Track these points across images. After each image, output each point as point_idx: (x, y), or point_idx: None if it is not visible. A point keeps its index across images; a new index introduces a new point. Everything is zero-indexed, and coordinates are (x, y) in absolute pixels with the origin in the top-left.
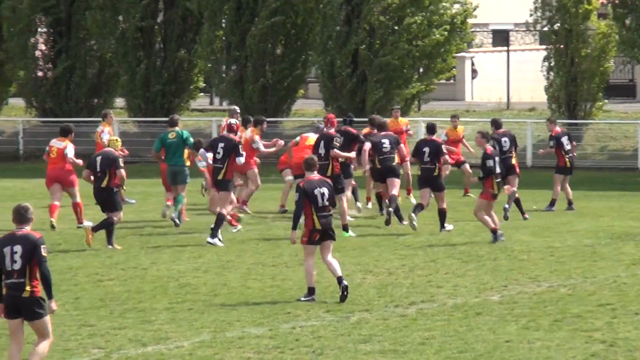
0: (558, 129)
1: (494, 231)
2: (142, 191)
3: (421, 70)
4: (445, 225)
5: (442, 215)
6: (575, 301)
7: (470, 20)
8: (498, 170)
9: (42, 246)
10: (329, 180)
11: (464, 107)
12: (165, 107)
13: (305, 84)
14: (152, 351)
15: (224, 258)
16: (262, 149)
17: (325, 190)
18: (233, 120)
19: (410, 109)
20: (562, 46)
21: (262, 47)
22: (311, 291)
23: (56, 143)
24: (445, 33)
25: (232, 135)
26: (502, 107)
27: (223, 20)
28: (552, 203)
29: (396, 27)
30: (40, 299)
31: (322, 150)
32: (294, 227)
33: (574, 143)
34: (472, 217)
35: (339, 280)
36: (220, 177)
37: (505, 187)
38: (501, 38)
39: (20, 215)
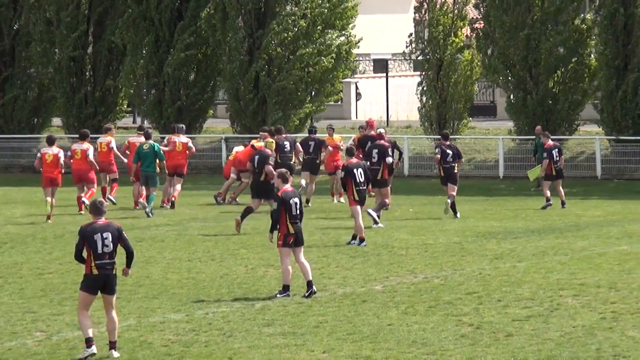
0: (550, 142)
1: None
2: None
3: (313, 93)
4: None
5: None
6: (447, 290)
7: (354, 51)
8: (358, 179)
9: (123, 232)
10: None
11: (350, 125)
12: (95, 126)
13: (214, 105)
14: None
15: (147, 254)
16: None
17: (297, 201)
18: (382, 130)
19: (304, 126)
20: (433, 73)
21: (177, 74)
22: (286, 288)
23: (79, 146)
24: (332, 61)
25: (384, 142)
26: (382, 124)
27: (144, 52)
28: (547, 200)
29: (291, 57)
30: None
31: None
32: (272, 230)
33: (562, 156)
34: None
35: (309, 284)
36: (379, 177)
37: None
38: (381, 66)
39: (97, 209)
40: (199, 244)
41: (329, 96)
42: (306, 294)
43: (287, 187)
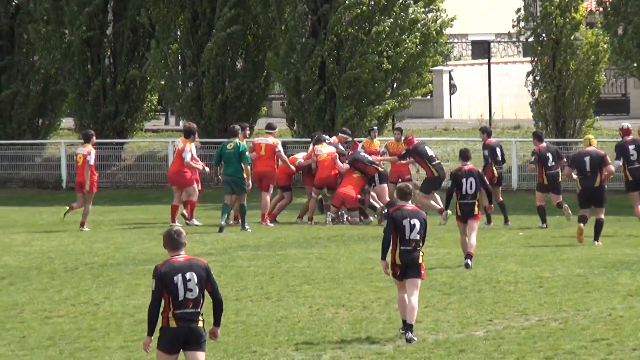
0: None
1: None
2: (93, 220)
3: (395, 85)
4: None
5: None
6: (568, 336)
7: (447, 31)
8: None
9: (211, 272)
10: (422, 213)
11: (443, 125)
12: (117, 129)
13: (268, 100)
14: None
15: None
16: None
17: (416, 222)
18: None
19: (384, 128)
20: (548, 59)
21: (220, 61)
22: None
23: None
24: (417, 41)
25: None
26: (484, 124)
27: (178, 32)
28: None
29: (365, 38)
30: (204, 329)
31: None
32: (383, 257)
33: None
34: (455, 244)
35: (406, 326)
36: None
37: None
38: (481, 50)
39: (173, 240)
40: (249, 278)
41: (415, 89)
42: (404, 334)
43: (405, 204)
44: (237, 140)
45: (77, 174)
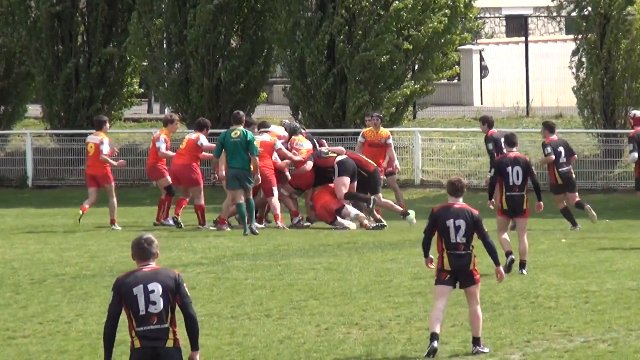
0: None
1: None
2: (64, 223)
3: (416, 67)
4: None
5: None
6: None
7: (477, 4)
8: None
9: (183, 284)
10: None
11: (472, 114)
12: (92, 117)
13: (268, 85)
14: None
15: None
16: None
17: (461, 224)
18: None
19: (403, 117)
20: (595, 37)
21: (210, 39)
22: (433, 337)
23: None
24: (445, 19)
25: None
26: (521, 113)
27: (162, 5)
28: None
29: (382, 13)
30: (180, 350)
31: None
32: (426, 255)
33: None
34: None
35: (475, 341)
36: None
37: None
38: (517, 26)
39: (143, 250)
40: (247, 292)
41: (439, 71)
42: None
43: (455, 201)
44: (241, 127)
45: (89, 166)
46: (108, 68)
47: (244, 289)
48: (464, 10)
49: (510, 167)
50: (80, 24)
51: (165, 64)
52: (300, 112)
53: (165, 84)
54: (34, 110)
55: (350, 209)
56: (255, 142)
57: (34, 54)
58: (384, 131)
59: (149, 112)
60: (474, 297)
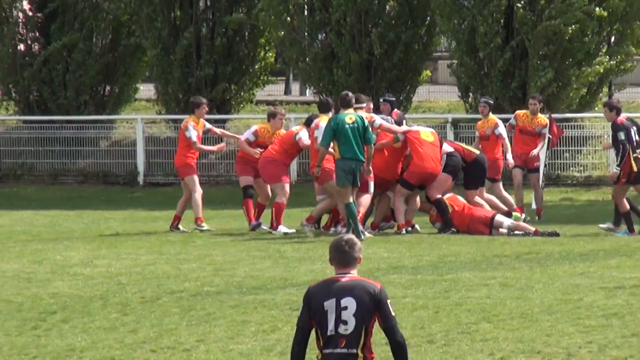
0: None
1: None
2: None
3: (612, 39)
4: None
5: None
6: None
7: None
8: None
9: (387, 301)
10: None
11: None
12: (217, 100)
13: (432, 61)
14: None
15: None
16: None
17: None
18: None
19: (597, 100)
20: None
21: (361, 4)
22: None
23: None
24: None
25: None
26: None
27: None
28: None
29: None
30: None
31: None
32: None
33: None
34: None
35: None
36: None
37: None
38: None
39: (343, 254)
40: (405, 313)
41: None
42: None
43: None
44: (354, 112)
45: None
46: (236, 40)
47: (401, 309)
48: None
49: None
50: None
51: (306, 34)
52: (470, 94)
53: (307, 59)
54: (146, 91)
55: (503, 218)
56: (370, 130)
57: (145, 22)
58: (542, 118)
59: (286, 94)
60: None
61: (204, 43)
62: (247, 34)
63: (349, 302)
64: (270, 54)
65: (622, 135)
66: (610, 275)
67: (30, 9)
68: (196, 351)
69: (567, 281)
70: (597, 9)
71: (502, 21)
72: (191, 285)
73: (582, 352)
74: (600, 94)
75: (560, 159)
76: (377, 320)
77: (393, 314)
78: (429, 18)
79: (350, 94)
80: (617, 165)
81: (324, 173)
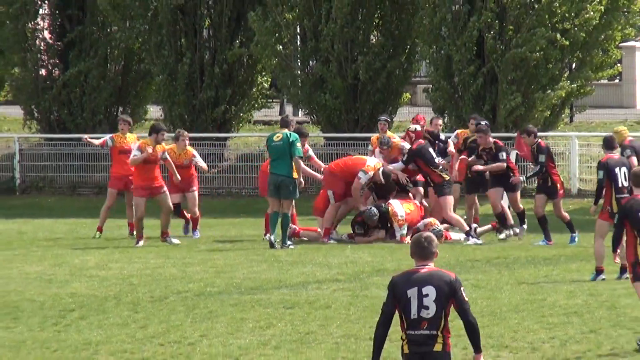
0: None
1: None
2: (186, 237)
3: (573, 66)
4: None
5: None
6: None
7: None
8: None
9: (461, 288)
10: None
11: (635, 117)
12: (218, 120)
13: (411, 85)
14: None
15: (302, 329)
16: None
17: None
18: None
19: (559, 121)
20: None
21: (348, 34)
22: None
23: None
24: (602, 8)
25: None
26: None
27: None
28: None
29: (536, 5)
30: (450, 355)
31: None
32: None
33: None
34: None
35: None
36: None
37: None
38: None
39: (422, 249)
40: None
41: (599, 70)
42: None
43: None
44: (286, 131)
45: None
46: (235, 66)
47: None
48: (626, 2)
49: (618, 168)
50: (205, 18)
51: (299, 62)
52: (446, 115)
53: (299, 83)
54: (155, 112)
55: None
56: (298, 144)
57: (154, 50)
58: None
59: (280, 114)
60: None
61: (206, 69)
62: (245, 60)
63: (430, 290)
64: (266, 79)
65: (542, 158)
66: (571, 278)
67: (50, 38)
68: (200, 345)
69: (533, 283)
70: (560, 38)
71: (474, 50)
72: (195, 286)
73: (545, 347)
74: (562, 115)
75: (527, 173)
76: (452, 305)
77: (466, 298)
78: (408, 47)
79: (289, 116)
80: (527, 178)
81: (325, 176)
